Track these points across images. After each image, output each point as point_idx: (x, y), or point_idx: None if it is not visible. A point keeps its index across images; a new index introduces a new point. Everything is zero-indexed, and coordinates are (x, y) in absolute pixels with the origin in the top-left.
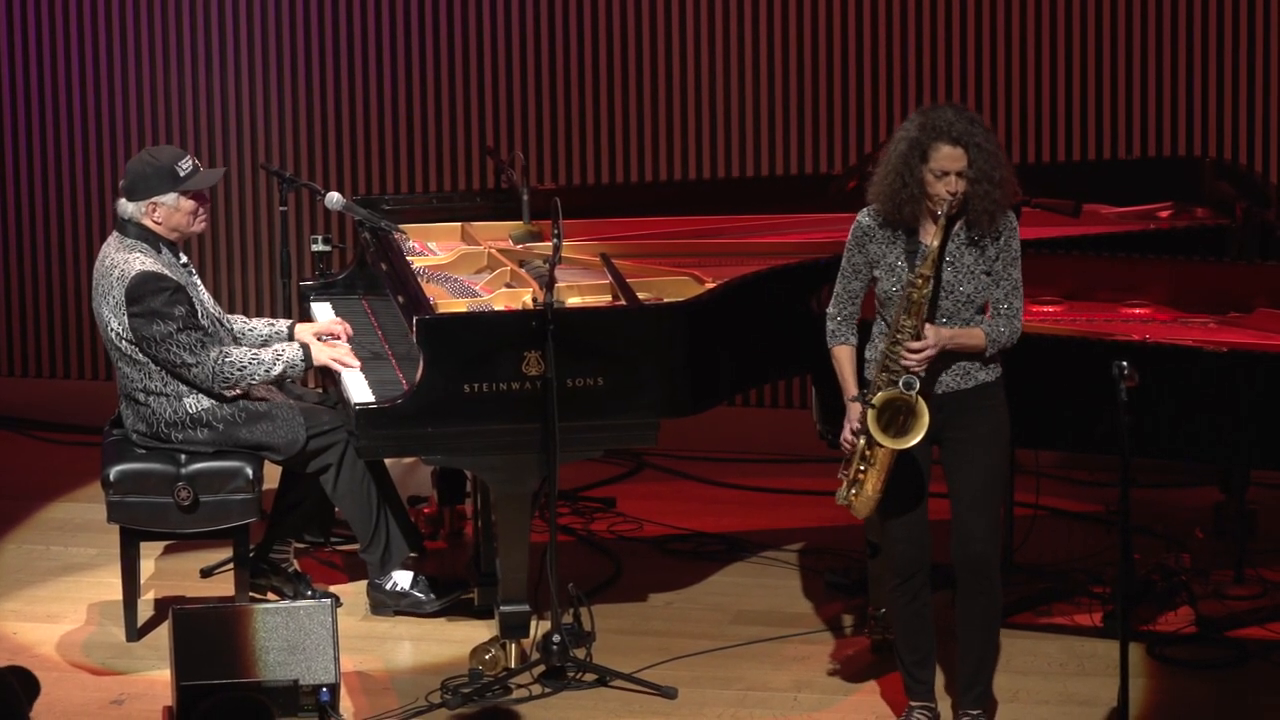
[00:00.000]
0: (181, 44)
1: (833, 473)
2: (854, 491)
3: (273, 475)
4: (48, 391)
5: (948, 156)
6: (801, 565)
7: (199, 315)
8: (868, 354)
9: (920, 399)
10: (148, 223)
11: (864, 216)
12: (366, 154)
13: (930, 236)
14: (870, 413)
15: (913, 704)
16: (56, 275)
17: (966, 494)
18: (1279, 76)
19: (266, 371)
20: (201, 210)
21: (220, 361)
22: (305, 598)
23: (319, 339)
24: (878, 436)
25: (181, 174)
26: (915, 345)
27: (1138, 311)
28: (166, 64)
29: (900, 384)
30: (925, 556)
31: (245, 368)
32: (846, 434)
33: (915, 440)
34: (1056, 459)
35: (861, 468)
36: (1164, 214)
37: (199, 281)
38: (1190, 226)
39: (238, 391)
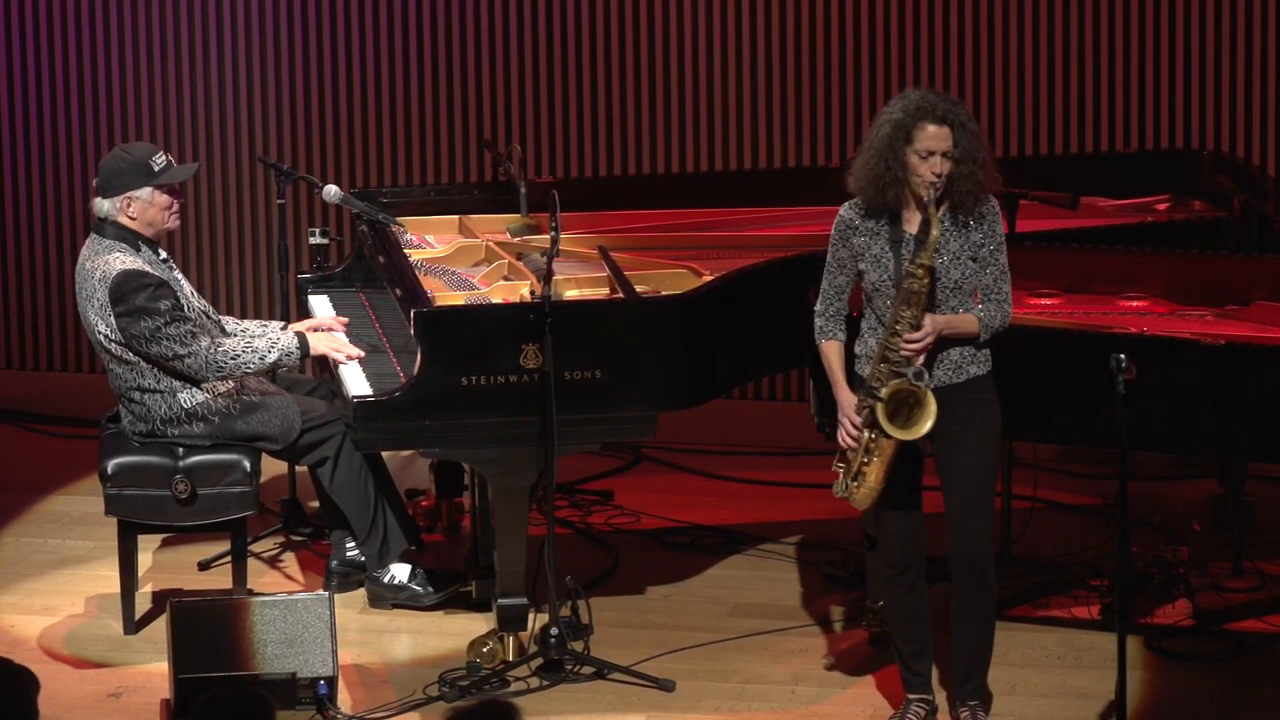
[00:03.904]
0: (179, 37)
1: (829, 465)
2: (856, 484)
3: (271, 469)
4: (45, 385)
5: (933, 136)
6: (799, 558)
7: (184, 308)
8: (857, 349)
9: (929, 390)
10: (123, 219)
11: (845, 210)
12: (364, 147)
13: (913, 225)
14: (879, 405)
15: (910, 696)
16: (55, 268)
17: (960, 487)
18: (1276, 69)
19: (261, 360)
20: (175, 205)
21: (213, 350)
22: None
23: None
24: (888, 428)
25: (156, 168)
26: (915, 335)
27: (1135, 304)
28: (164, 57)
29: (910, 375)
30: (919, 550)
31: (239, 356)
32: (848, 429)
33: (925, 430)
34: (1054, 452)
35: (865, 460)
36: (1162, 207)
37: (181, 277)
38: (1188, 219)
39: (231, 383)
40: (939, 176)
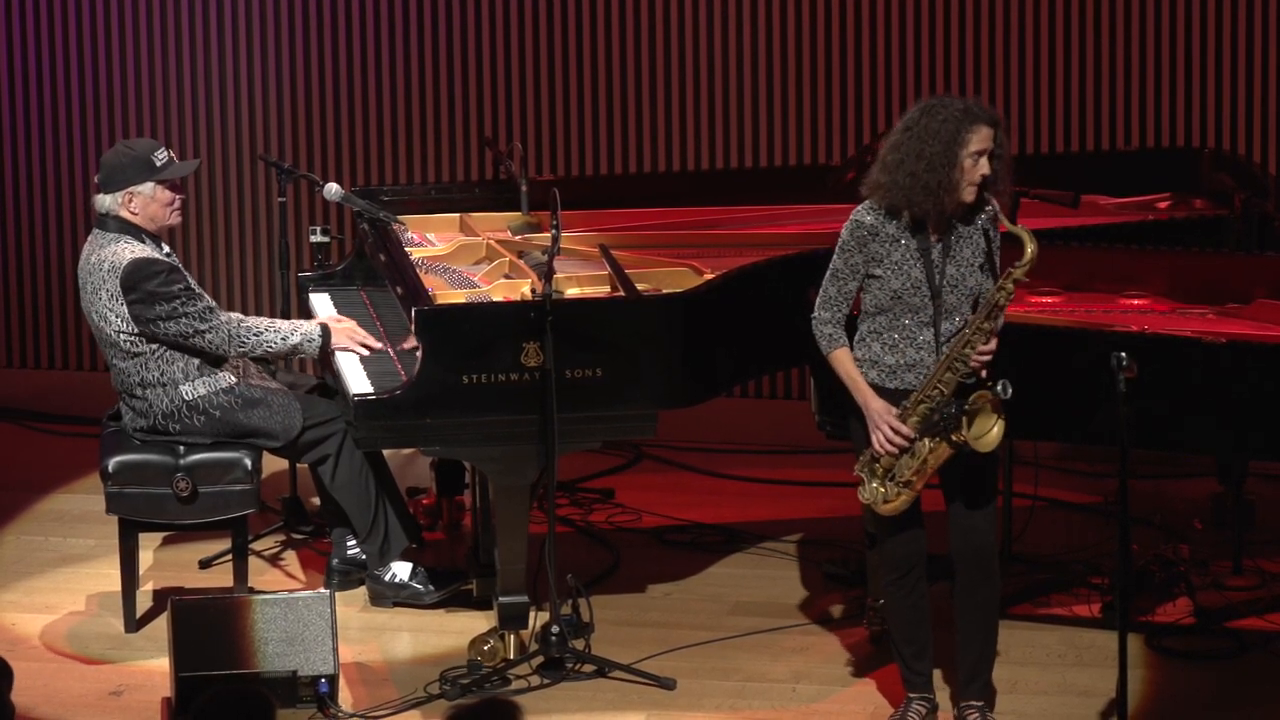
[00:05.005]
0: (180, 34)
1: (830, 463)
2: (901, 490)
3: (272, 467)
4: (46, 383)
5: (986, 137)
6: (800, 556)
7: (196, 290)
8: (858, 353)
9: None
10: (125, 214)
11: (866, 215)
12: (365, 145)
13: (940, 233)
14: (964, 418)
15: (911, 695)
16: (55, 266)
17: (964, 486)
18: (1277, 68)
19: (283, 340)
20: (177, 201)
21: (236, 325)
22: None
23: None
24: (969, 437)
25: (158, 164)
26: (988, 347)
27: (1136, 302)
28: (165, 55)
29: (998, 388)
30: (921, 551)
31: (262, 334)
32: (888, 435)
33: (998, 439)
34: (1055, 450)
35: (917, 468)
36: (1163, 205)
37: (186, 272)
38: (1189, 217)
39: (234, 378)
40: (986, 176)
